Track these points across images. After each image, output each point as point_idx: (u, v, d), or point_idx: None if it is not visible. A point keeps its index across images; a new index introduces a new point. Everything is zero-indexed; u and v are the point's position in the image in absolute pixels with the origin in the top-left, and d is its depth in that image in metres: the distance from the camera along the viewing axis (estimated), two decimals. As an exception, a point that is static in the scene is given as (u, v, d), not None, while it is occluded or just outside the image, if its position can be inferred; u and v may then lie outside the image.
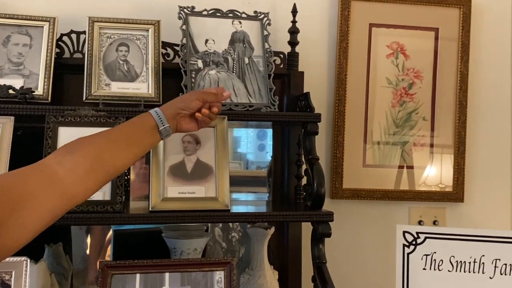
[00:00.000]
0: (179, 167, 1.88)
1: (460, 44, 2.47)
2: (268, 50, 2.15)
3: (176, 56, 2.17)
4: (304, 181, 2.15)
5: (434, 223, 2.45)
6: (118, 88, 1.99)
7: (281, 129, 2.29)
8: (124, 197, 1.82)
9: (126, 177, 1.89)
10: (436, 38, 2.46)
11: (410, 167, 2.44)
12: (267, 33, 2.18)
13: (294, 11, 2.26)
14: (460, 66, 2.46)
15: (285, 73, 2.27)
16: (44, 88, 1.93)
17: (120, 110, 1.88)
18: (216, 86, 2.05)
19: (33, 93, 1.90)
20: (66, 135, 1.82)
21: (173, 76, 2.10)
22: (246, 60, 2.12)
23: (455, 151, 2.46)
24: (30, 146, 1.92)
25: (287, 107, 2.25)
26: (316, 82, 2.40)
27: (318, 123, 2.03)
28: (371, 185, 2.35)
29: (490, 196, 2.54)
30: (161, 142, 1.85)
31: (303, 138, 2.07)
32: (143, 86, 2.02)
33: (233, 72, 2.09)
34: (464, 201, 2.48)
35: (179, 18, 2.10)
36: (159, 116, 1.52)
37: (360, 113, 2.36)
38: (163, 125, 1.52)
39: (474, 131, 2.52)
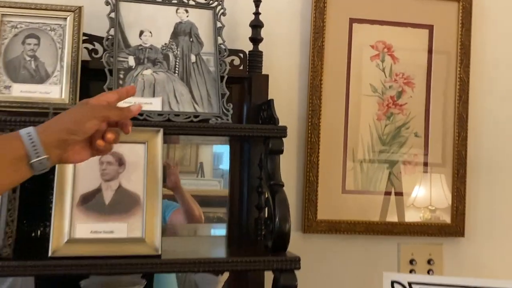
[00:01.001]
0: (93, 196, 1.41)
1: (459, 44, 2.04)
2: (221, 46, 1.70)
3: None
4: (266, 212, 1.68)
5: (429, 262, 1.98)
6: (22, 91, 1.53)
7: (240, 146, 1.83)
8: (14, 237, 1.33)
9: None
10: (431, 37, 2.03)
11: (399, 194, 2.00)
12: (221, 25, 1.73)
13: (258, 0, 1.81)
14: (459, 72, 2.03)
15: (246, 77, 1.82)
16: None
17: (19, 121, 1.40)
18: (151, 89, 1.59)
19: None
20: None
21: (102, 78, 1.63)
22: (193, 58, 1.66)
23: (454, 175, 2.02)
24: None
25: (248, 118, 1.80)
26: (284, 89, 1.96)
27: (284, 139, 1.57)
28: (352, 216, 1.92)
29: (496, 230, 2.09)
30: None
31: (264, 158, 1.61)
32: (55, 90, 1.55)
33: (174, 72, 1.63)
34: (464, 235, 2.03)
35: (107, 3, 1.65)
36: (32, 143, 1.03)
37: (339, 127, 1.92)
38: (38, 157, 1.04)
39: (476, 150, 2.08)
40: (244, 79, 1.83)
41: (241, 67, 1.84)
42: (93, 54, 1.73)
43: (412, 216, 1.99)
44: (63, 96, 1.55)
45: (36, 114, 1.50)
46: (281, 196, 1.52)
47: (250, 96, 1.81)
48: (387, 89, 2.00)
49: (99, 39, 1.72)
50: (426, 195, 2.01)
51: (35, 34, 1.59)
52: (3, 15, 1.58)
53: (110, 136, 1.14)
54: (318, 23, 1.95)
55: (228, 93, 1.64)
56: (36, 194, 1.57)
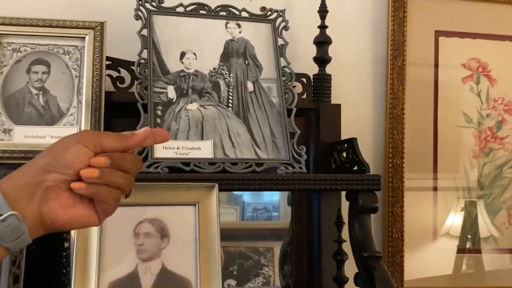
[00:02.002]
0: (127, 284, 1.00)
1: None
2: (286, 69, 1.31)
3: (136, 82, 1.32)
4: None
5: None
6: (26, 136, 1.13)
7: (306, 194, 1.42)
8: None
9: None
10: (535, 53, 1.62)
11: (506, 250, 1.57)
12: (284, 42, 1.33)
13: (323, 10, 1.42)
14: None
15: (311, 107, 1.41)
16: None
17: None
18: (199, 129, 1.19)
19: None
20: None
21: (130, 114, 1.25)
22: (250, 86, 1.27)
23: None
24: None
25: (316, 162, 1.39)
26: (355, 121, 1.55)
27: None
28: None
29: None
30: (94, 231, 1.00)
31: (350, 219, 1.20)
32: (71, 133, 1.14)
33: (228, 106, 1.23)
34: None
35: (137, 18, 1.26)
36: None
37: (427, 168, 1.54)
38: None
39: None
40: (309, 110, 1.43)
41: (305, 95, 1.44)
42: (118, 84, 1.34)
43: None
44: (82, 142, 1.15)
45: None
46: (380, 272, 1.11)
47: (318, 133, 1.41)
48: (484, 118, 1.59)
49: (126, 64, 1.33)
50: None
51: (43, 60, 1.21)
52: (1, 35, 1.19)
53: (88, 172, 0.71)
54: (397, 37, 1.55)
55: (299, 131, 1.24)
56: (46, 277, 1.17)
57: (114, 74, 1.34)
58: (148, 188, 1.07)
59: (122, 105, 1.27)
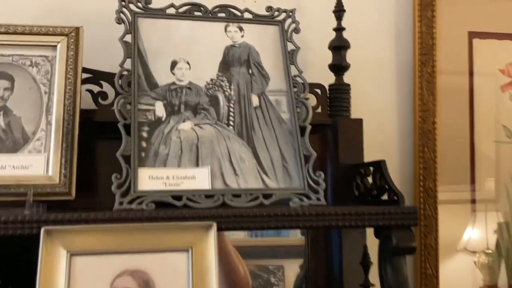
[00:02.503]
0: None
1: None
2: (298, 79, 1.09)
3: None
4: None
5: None
6: (-18, 166, 0.92)
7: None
8: None
9: None
10: None
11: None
12: (295, 47, 1.12)
13: (339, 10, 1.21)
14: None
15: (327, 123, 1.20)
16: None
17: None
18: (193, 154, 0.98)
19: None
20: None
21: (115, 135, 1.04)
22: (255, 100, 1.06)
23: None
24: None
25: (334, 190, 1.17)
26: (378, 137, 1.33)
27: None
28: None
29: None
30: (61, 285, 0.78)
31: (381, 260, 0.97)
32: (37, 161, 0.95)
33: (228, 124, 1.02)
34: None
35: (119, 21, 1.05)
36: None
37: (463, 193, 1.27)
38: None
39: None
40: (325, 127, 1.21)
41: (319, 109, 1.22)
42: (100, 100, 1.13)
43: None
44: (50, 172, 0.94)
45: (5, 204, 0.90)
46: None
47: (337, 153, 1.19)
48: (528, 132, 1.37)
49: (109, 77, 1.12)
50: None
51: (6, 73, 1.00)
52: (-44, 44, 0.99)
53: None
54: (425, 40, 1.33)
55: (315, 154, 1.02)
56: None
57: (95, 88, 1.14)
58: (129, 230, 0.86)
59: (106, 124, 1.06)
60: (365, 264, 1.08)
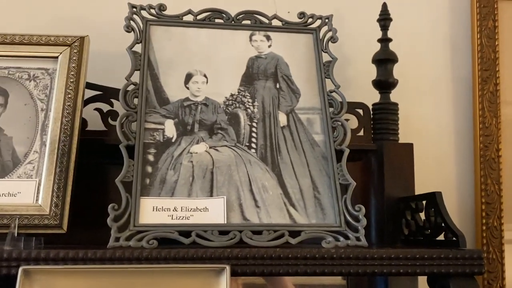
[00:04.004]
0: None
1: None
2: (334, 94, 0.93)
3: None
4: None
5: None
6: (-36, 193, 0.80)
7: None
8: None
9: None
10: None
11: None
12: (332, 58, 0.96)
13: (385, 18, 1.05)
14: None
15: (370, 149, 1.02)
16: None
17: None
18: (207, 181, 0.82)
19: None
20: None
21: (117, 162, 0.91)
22: (283, 119, 0.89)
23: None
24: None
25: (378, 228, 0.99)
26: (434, 167, 1.14)
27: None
28: None
29: None
30: None
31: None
32: (27, 188, 0.81)
33: (250, 147, 0.86)
34: None
35: (128, 29, 0.92)
36: None
37: None
38: None
39: None
40: (368, 152, 1.04)
41: (361, 132, 1.05)
42: (110, 120, 1.00)
43: None
44: (39, 201, 0.80)
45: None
46: None
47: (382, 184, 1.01)
48: None
49: (115, 93, 0.99)
50: None
51: (0, 87, 0.89)
52: None
53: None
54: (486, 53, 1.15)
55: (354, 183, 0.85)
56: None
57: (105, 107, 1.01)
58: (124, 273, 0.70)
59: (114, 147, 0.93)
60: (417, 319, 0.88)
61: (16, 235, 0.76)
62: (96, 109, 1.01)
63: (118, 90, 1.00)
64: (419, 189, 1.01)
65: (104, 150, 0.97)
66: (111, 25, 1.03)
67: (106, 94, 1.01)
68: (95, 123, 1.03)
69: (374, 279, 0.99)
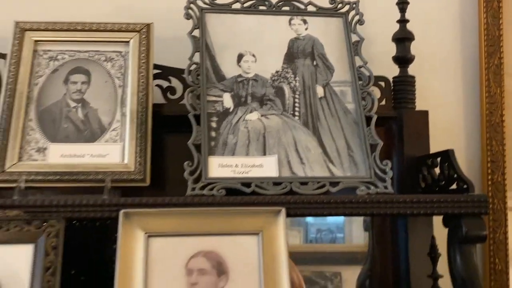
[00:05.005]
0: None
1: None
2: (363, 70, 1.10)
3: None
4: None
5: None
6: (63, 155, 0.98)
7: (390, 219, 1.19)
8: None
9: None
10: None
11: None
12: (360, 38, 1.13)
13: (403, 2, 1.21)
14: None
15: (391, 116, 1.19)
16: None
17: (55, 205, 0.86)
18: (260, 143, 1.00)
19: None
20: None
21: (183, 128, 1.09)
22: (320, 91, 1.07)
23: None
24: None
25: (399, 181, 1.17)
26: (446, 130, 1.31)
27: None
28: None
29: None
30: (139, 265, 0.82)
31: (450, 250, 0.96)
32: (114, 150, 1.00)
33: (294, 115, 1.04)
34: None
35: (187, 17, 1.09)
36: None
37: None
38: None
39: None
40: (390, 119, 1.21)
41: (384, 102, 1.22)
42: (169, 95, 1.17)
43: None
44: (125, 160, 0.99)
45: (84, 190, 0.95)
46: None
47: (402, 145, 1.18)
48: None
49: (177, 73, 1.17)
50: None
51: (83, 68, 1.06)
52: (36, 42, 1.06)
53: None
54: (491, 31, 1.31)
55: (381, 142, 1.02)
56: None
57: (164, 84, 1.19)
58: (202, 214, 0.89)
59: (174, 118, 1.11)
60: (433, 255, 1.07)
61: (109, 187, 0.95)
62: (156, 85, 1.19)
63: (175, 68, 1.18)
64: (433, 150, 1.18)
65: (161, 120, 1.14)
66: (161, 13, 1.20)
67: (165, 72, 1.18)
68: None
69: (396, 225, 1.17)
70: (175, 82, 1.18)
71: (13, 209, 0.86)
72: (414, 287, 1.12)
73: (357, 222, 1.24)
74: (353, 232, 1.28)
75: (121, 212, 0.86)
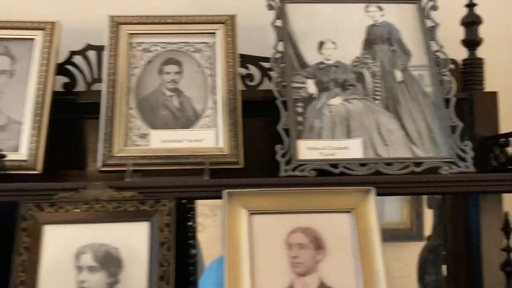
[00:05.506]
0: (283, 302, 0.89)
1: None
2: (439, 54, 1.15)
3: (265, 79, 1.22)
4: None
5: None
6: (163, 141, 1.06)
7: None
8: None
9: None
10: None
11: None
12: (435, 24, 1.17)
13: (472, -14, 1.25)
14: None
15: (461, 97, 1.24)
16: (30, 150, 1.03)
17: (166, 186, 0.94)
18: (344, 127, 1.06)
19: (6, 160, 1.00)
20: (59, 242, 0.90)
21: (260, 113, 1.16)
22: (399, 76, 1.12)
23: None
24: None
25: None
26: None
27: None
28: None
29: None
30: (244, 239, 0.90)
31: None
32: (209, 135, 1.07)
33: (375, 99, 1.10)
34: None
35: (269, 8, 1.15)
36: None
37: None
38: None
39: None
40: (460, 100, 1.25)
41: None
42: (247, 81, 1.24)
43: None
44: (220, 144, 1.06)
45: (185, 172, 1.03)
46: None
47: (472, 126, 1.23)
48: None
49: (255, 60, 1.23)
50: None
51: (175, 59, 1.14)
52: (130, 35, 1.14)
53: None
54: (558, 12, 1.33)
55: (461, 124, 1.08)
56: None
57: (243, 71, 1.25)
58: (296, 193, 0.96)
59: (252, 103, 1.17)
60: (507, 229, 1.12)
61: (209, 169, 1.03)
62: (236, 72, 1.25)
63: (253, 56, 1.24)
64: (503, 130, 1.22)
65: (243, 106, 1.20)
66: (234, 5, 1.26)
67: (244, 60, 1.25)
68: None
69: (467, 199, 1.22)
70: (253, 69, 1.25)
71: (127, 190, 0.94)
72: (486, 259, 1.18)
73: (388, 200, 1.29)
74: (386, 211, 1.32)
75: (225, 192, 0.94)
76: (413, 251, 1.32)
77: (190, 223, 1.23)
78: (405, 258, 1.34)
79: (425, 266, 1.34)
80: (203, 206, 1.21)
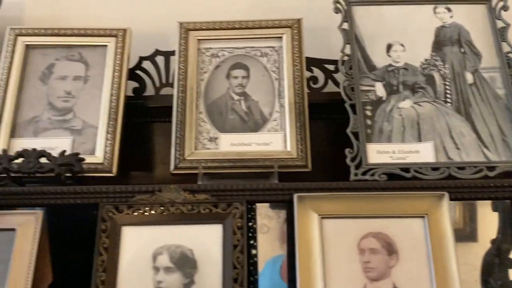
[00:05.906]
0: (358, 307, 0.89)
1: None
2: (511, 55, 1.12)
3: (329, 81, 1.22)
4: None
5: None
6: (232, 144, 1.08)
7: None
8: None
9: None
10: None
11: None
12: (506, 24, 1.15)
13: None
14: None
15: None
16: (105, 153, 1.07)
17: (238, 189, 0.96)
18: (415, 130, 1.05)
19: (83, 163, 1.04)
20: (137, 243, 0.93)
21: (325, 115, 1.16)
22: (469, 78, 1.10)
23: None
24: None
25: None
26: None
27: None
28: None
29: None
30: (316, 243, 0.91)
31: None
32: (276, 139, 1.08)
33: (445, 101, 1.08)
34: None
35: (336, 10, 1.15)
36: None
37: None
38: None
39: None
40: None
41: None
42: (311, 84, 1.24)
43: None
44: (288, 147, 1.07)
45: (256, 175, 1.05)
46: None
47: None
48: None
49: (319, 63, 1.24)
50: None
51: (242, 63, 1.15)
52: (199, 40, 1.16)
53: None
54: None
55: (542, 127, 1.05)
56: None
57: (307, 74, 1.25)
58: (367, 198, 0.96)
59: (316, 106, 1.18)
60: None
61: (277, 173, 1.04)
62: (299, 75, 1.25)
63: (316, 59, 1.24)
64: None
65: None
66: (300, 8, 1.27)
67: (308, 63, 1.24)
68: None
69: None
70: (317, 72, 1.25)
71: (201, 193, 0.97)
72: None
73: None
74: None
75: (296, 195, 0.95)
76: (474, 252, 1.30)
77: (250, 224, 1.24)
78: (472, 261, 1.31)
79: (489, 270, 1.31)
80: (267, 208, 1.22)
